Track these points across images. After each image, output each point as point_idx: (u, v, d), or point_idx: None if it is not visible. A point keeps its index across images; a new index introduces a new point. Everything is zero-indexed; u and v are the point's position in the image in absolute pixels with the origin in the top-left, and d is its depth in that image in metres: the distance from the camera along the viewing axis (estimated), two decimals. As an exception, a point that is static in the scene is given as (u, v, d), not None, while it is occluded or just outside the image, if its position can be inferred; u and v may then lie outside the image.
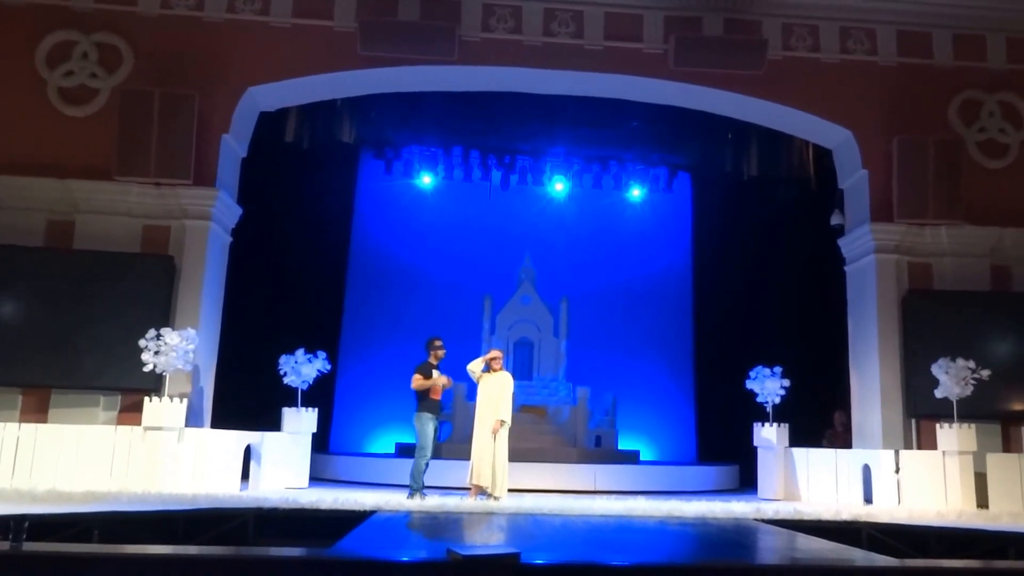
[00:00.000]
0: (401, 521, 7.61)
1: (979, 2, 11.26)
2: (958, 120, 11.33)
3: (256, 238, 12.25)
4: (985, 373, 9.68)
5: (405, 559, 4.85)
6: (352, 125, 13.08)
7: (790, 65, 11.32)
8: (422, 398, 9.65)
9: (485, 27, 11.12)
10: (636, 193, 15.67)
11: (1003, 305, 10.73)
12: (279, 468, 10.17)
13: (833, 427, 11.96)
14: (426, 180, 15.47)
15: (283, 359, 10.42)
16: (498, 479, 9.40)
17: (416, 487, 9.36)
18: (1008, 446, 10.42)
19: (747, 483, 12.06)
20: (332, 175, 14.93)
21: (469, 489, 9.56)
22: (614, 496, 10.14)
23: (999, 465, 9.69)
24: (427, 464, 9.54)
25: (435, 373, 9.76)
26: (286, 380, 10.37)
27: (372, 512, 8.10)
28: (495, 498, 9.29)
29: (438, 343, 9.94)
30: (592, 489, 11.13)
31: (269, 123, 11.89)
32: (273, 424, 10.45)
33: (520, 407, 13.19)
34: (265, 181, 12.62)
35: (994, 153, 11.28)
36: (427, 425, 9.56)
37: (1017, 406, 10.43)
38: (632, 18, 11.26)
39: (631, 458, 13.11)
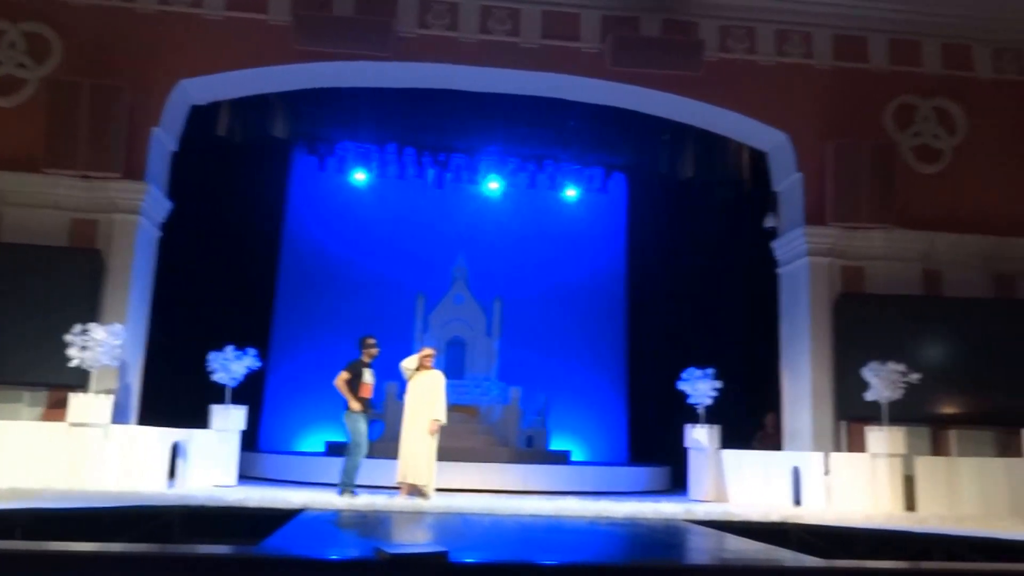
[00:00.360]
0: (329, 520, 7.50)
1: (915, 7, 11.42)
2: (893, 125, 11.48)
3: (186, 233, 11.99)
4: (915, 377, 9.76)
5: (332, 557, 4.87)
6: (285, 120, 12.83)
7: (727, 67, 11.37)
8: (350, 396, 9.45)
9: (421, 23, 11.02)
10: (571, 193, 15.65)
11: (934, 309, 10.86)
12: (207, 466, 9.99)
13: (764, 429, 12.08)
14: (360, 177, 15.25)
15: (212, 355, 10.27)
16: (430, 478, 9.28)
17: (347, 485, 9.18)
18: (937, 449, 10.55)
19: (678, 484, 12.06)
20: (264, 170, 14.60)
21: (399, 488, 9.41)
22: (545, 496, 10.08)
23: (927, 468, 9.79)
24: (359, 463, 9.36)
25: (368, 373, 9.61)
26: (215, 377, 10.23)
27: (300, 510, 7.96)
28: (426, 497, 9.15)
29: (371, 341, 9.77)
30: (523, 489, 11.04)
31: (200, 117, 11.62)
32: (201, 421, 10.24)
33: (452, 406, 13.05)
34: (196, 175, 12.29)
35: (928, 158, 11.45)
36: (359, 423, 9.39)
37: (946, 409, 10.57)
38: (569, 17, 11.22)
39: (562, 458, 13.06)
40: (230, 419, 10.27)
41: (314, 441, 14.34)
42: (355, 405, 9.42)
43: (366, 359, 9.66)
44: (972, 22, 11.60)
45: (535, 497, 9.88)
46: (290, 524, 7.13)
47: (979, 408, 10.54)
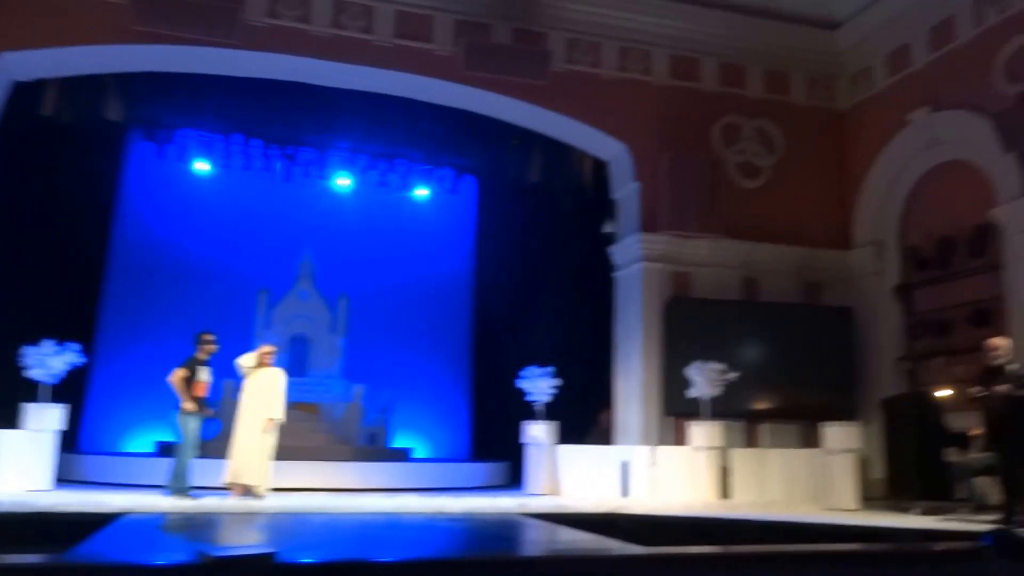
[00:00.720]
0: (153, 523, 7.09)
1: (742, 35, 12.21)
2: (720, 141, 12.17)
3: (4, 217, 11.10)
4: (733, 375, 10.32)
5: (151, 562, 4.47)
6: (121, 102, 11.97)
7: (572, 78, 11.68)
8: (185, 394, 8.95)
9: (271, 13, 10.69)
10: (422, 193, 15.58)
11: (751, 313, 11.59)
12: (18, 469, 9.13)
13: (599, 424, 12.44)
14: (202, 166, 14.51)
15: (28, 350, 9.38)
16: (264, 477, 8.94)
17: (178, 488, 8.67)
18: (750, 442, 11.26)
19: (517, 480, 12.23)
20: (96, 154, 13.53)
21: (230, 489, 9.01)
22: (385, 494, 9.97)
23: (741, 459, 10.40)
24: (190, 464, 8.86)
25: (204, 371, 9.11)
26: (31, 373, 9.35)
27: (121, 514, 7.46)
28: (259, 497, 8.81)
29: (209, 337, 9.24)
30: (363, 487, 10.85)
31: (24, 94, 10.73)
32: (13, 421, 9.35)
33: (293, 404, 12.67)
34: (16, 156, 11.33)
35: (750, 173, 12.21)
36: (191, 422, 8.89)
37: (759, 405, 11.30)
38: (423, 19, 11.21)
39: (403, 456, 12.99)
40: (46, 418, 9.39)
41: (144, 441, 13.54)
42: (189, 405, 8.91)
43: (203, 356, 9.14)
44: (791, 53, 12.54)
45: (375, 495, 9.74)
46: (108, 529, 6.68)
47: (787, 404, 11.37)
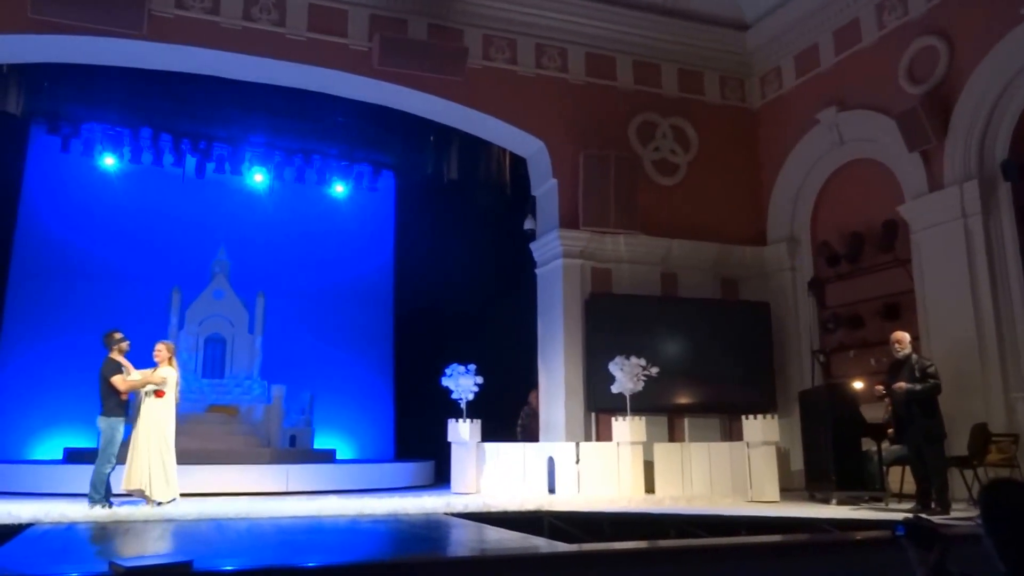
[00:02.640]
0: (63, 534, 6.71)
1: (655, 33, 12.35)
2: (636, 139, 12.28)
3: None
4: (654, 370, 10.37)
5: (61, 575, 4.25)
6: (20, 94, 11.42)
7: (489, 75, 11.63)
8: (109, 398, 8.52)
9: (179, 3, 10.35)
10: (340, 189, 15.26)
11: (670, 308, 11.73)
12: (-88, 481, 8.55)
13: (529, 403, 12.31)
14: (109, 161, 13.82)
15: None
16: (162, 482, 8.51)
17: (98, 497, 8.24)
18: (673, 435, 11.40)
19: (443, 479, 12.14)
20: (-6, 149, 12.91)
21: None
22: (307, 496, 9.73)
23: (664, 453, 10.49)
24: (111, 471, 8.45)
25: (135, 370, 8.67)
26: (-79, 380, 8.78)
27: (29, 525, 7.04)
28: (157, 503, 8.42)
29: (118, 335, 8.75)
30: (285, 490, 10.60)
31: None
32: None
33: (210, 407, 12.34)
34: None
35: (666, 171, 12.37)
36: (116, 429, 8.45)
37: (681, 400, 11.44)
38: (337, 13, 11.01)
39: (327, 457, 12.72)
40: (-56, 427, 8.91)
41: (51, 447, 12.85)
42: (122, 395, 8.49)
43: (118, 357, 8.70)
44: (704, 52, 12.77)
45: (297, 498, 9.49)
46: (15, 541, 6.33)
47: (707, 397, 11.55)
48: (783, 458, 10.87)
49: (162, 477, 8.39)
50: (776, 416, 10.28)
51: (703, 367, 11.45)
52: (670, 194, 12.28)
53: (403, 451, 14.73)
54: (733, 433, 11.10)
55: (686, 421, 11.61)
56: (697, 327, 11.63)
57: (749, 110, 13.07)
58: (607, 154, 11.69)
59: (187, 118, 12.89)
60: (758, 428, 9.95)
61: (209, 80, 11.39)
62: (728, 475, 10.12)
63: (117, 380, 8.46)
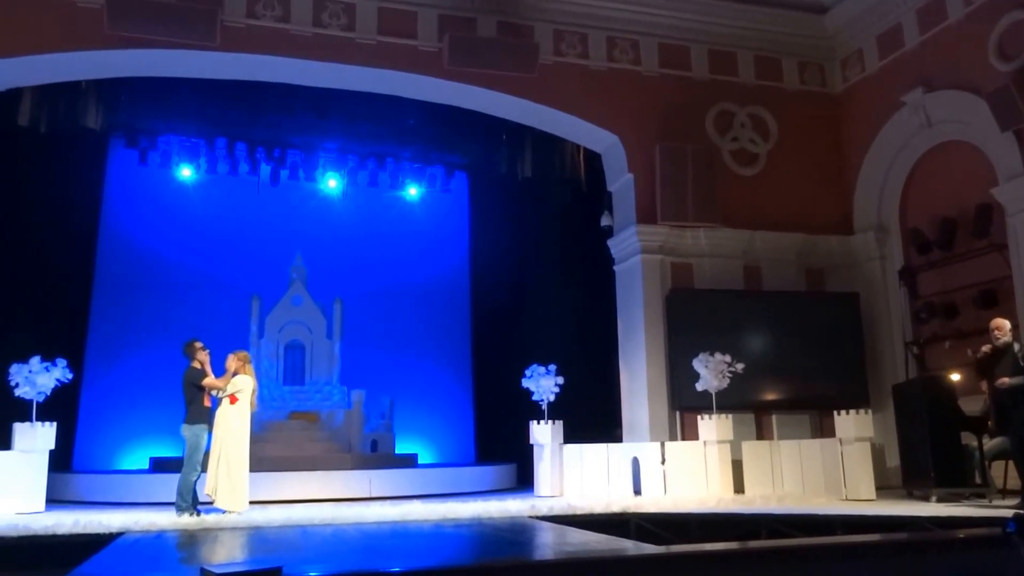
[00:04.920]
0: (152, 542, 6.89)
1: (730, 22, 12.10)
2: (714, 130, 12.03)
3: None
4: (740, 366, 10.18)
5: None
6: (100, 109, 11.79)
7: (561, 70, 11.54)
8: (192, 406, 8.68)
9: (250, 13, 10.54)
10: (413, 192, 15.33)
11: (754, 302, 11.46)
12: (8, 491, 8.85)
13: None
14: (186, 172, 14.17)
15: (14, 368, 9.12)
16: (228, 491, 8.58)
17: (185, 505, 8.40)
18: (761, 433, 11.12)
19: (525, 481, 12.06)
20: (76, 163, 13.29)
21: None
22: (390, 502, 9.75)
23: (753, 452, 10.26)
24: (197, 478, 8.60)
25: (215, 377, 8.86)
26: (18, 392, 9.09)
27: (120, 534, 7.26)
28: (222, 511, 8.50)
29: (198, 344, 8.93)
30: (368, 496, 10.64)
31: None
32: (2, 442, 9.12)
33: (291, 413, 12.49)
34: (-7, 169, 11.10)
35: (746, 161, 12.08)
36: (200, 437, 8.62)
37: (768, 396, 11.16)
38: (406, 15, 11.06)
39: (408, 462, 12.75)
40: (37, 438, 9.10)
41: (138, 457, 13.26)
42: (206, 403, 8.67)
43: (199, 365, 8.87)
44: (781, 38, 12.45)
45: (380, 503, 9.53)
46: (107, 550, 6.51)
47: (796, 393, 11.25)
48: (878, 454, 10.53)
49: (227, 486, 8.48)
50: (869, 411, 9.94)
51: (790, 362, 11.17)
52: (750, 185, 12.00)
53: (484, 454, 14.74)
54: (824, 430, 10.81)
55: (774, 418, 11.31)
56: (783, 321, 11.34)
57: (830, 95, 12.68)
58: (684, 146, 11.48)
59: (261, 126, 13.13)
60: (851, 424, 9.64)
61: (281, 88, 11.58)
62: (820, 473, 9.85)
63: (209, 380, 8.66)
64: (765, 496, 9.60)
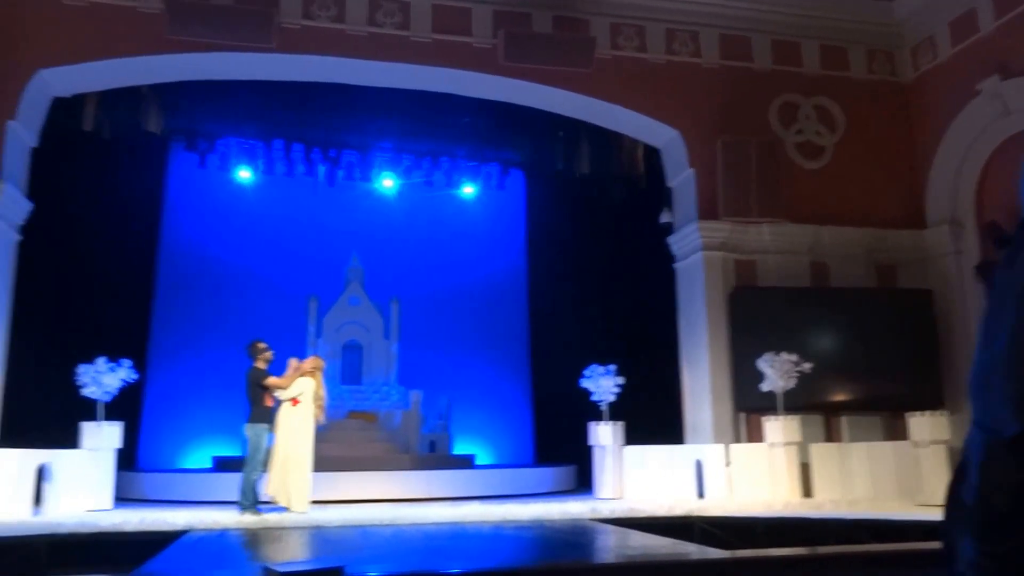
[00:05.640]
0: (216, 540, 7.09)
1: (794, 10, 11.87)
2: (777, 122, 11.83)
3: (50, 236, 11.24)
4: (807, 366, 10.00)
5: None
6: (160, 114, 12.17)
7: (618, 64, 11.47)
8: (255, 406, 8.93)
9: (306, 14, 10.68)
10: (468, 190, 15.46)
11: (822, 300, 11.22)
12: (77, 489, 9.21)
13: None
14: (244, 174, 14.57)
15: (82, 368, 9.53)
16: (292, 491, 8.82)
17: (247, 503, 8.64)
18: (830, 436, 10.88)
19: (585, 483, 12.06)
20: (138, 167, 13.77)
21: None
22: (449, 503, 9.87)
23: (821, 455, 10.09)
24: (259, 478, 8.85)
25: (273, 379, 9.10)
26: (85, 391, 9.49)
27: (184, 532, 7.49)
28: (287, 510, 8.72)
29: (263, 346, 9.17)
30: (426, 497, 10.77)
31: (64, 109, 10.89)
32: (71, 441, 9.50)
33: (349, 413, 12.72)
34: (60, 173, 11.58)
35: (811, 154, 11.86)
36: (261, 436, 8.86)
37: (837, 397, 10.92)
38: (460, 11, 11.10)
39: (466, 463, 12.86)
40: (103, 437, 9.51)
41: (200, 456, 13.64)
42: (268, 402, 8.92)
43: (262, 366, 9.12)
44: (847, 25, 12.16)
45: (439, 504, 9.65)
46: (172, 547, 6.72)
47: (867, 394, 10.98)
48: (955, 458, 10.19)
49: (290, 487, 8.69)
50: (945, 413, 9.67)
51: (861, 361, 10.89)
52: (816, 178, 11.77)
53: (542, 456, 14.78)
54: (897, 432, 10.52)
55: (844, 420, 11.06)
56: (852, 319, 11.08)
57: (900, 84, 12.36)
58: (746, 139, 11.33)
59: (317, 127, 13.39)
60: (925, 426, 9.43)
61: (337, 88, 11.74)
62: (893, 477, 9.65)
63: (272, 379, 8.87)
64: (835, 500, 9.44)
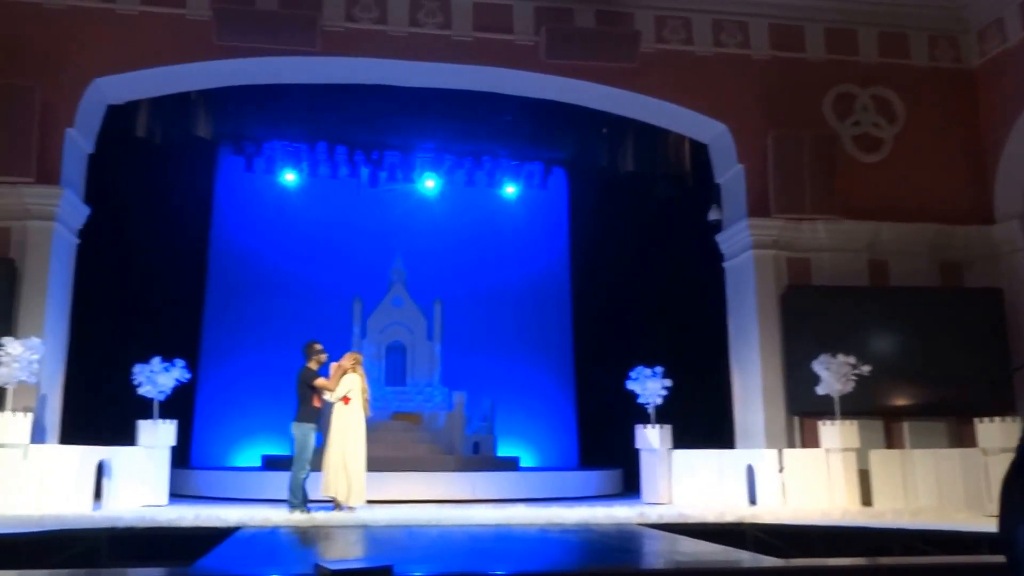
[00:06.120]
0: (267, 537, 7.29)
1: (848, -4, 11.63)
2: (832, 114, 11.58)
3: (106, 240, 11.66)
4: (866, 368, 9.80)
5: None
6: (209, 119, 12.48)
7: (664, 58, 11.36)
8: (303, 405, 9.14)
9: (348, 17, 10.84)
10: (511, 190, 15.48)
11: (881, 299, 10.95)
12: (135, 485, 9.67)
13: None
14: (290, 177, 14.85)
15: (137, 368, 10.01)
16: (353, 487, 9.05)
17: (296, 502, 8.87)
18: (891, 442, 10.62)
19: (631, 487, 12.00)
20: (188, 172, 14.15)
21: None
22: (493, 505, 9.92)
23: (882, 461, 9.85)
24: (307, 476, 9.08)
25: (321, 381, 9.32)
26: (141, 391, 9.96)
27: (236, 528, 7.72)
28: (349, 508, 8.93)
29: (319, 347, 9.38)
30: (471, 498, 10.85)
31: (118, 116, 11.26)
32: (128, 438, 9.94)
33: (394, 414, 12.92)
34: (115, 178, 11.98)
35: (869, 147, 11.59)
36: (308, 436, 9.09)
37: (898, 401, 10.62)
38: (502, 9, 11.13)
39: (510, 465, 12.93)
40: (159, 435, 9.94)
41: (250, 455, 13.94)
42: (316, 403, 9.16)
43: (314, 366, 9.35)
44: (906, 10, 11.83)
45: (483, 506, 9.71)
46: (226, 543, 6.91)
47: (931, 398, 10.63)
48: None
49: (345, 483, 8.89)
50: (1018, 419, 9.37)
51: (923, 364, 10.58)
52: (874, 172, 11.49)
53: (587, 458, 14.75)
54: (964, 438, 10.25)
55: (905, 425, 10.76)
56: (914, 319, 10.75)
57: (965, 71, 11.98)
58: (799, 133, 11.13)
59: (359, 129, 13.55)
60: (995, 432, 9.14)
61: (379, 89, 11.86)
62: (960, 486, 9.37)
63: (321, 381, 9.09)
64: (897, 510, 9.17)
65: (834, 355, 9.92)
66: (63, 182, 9.94)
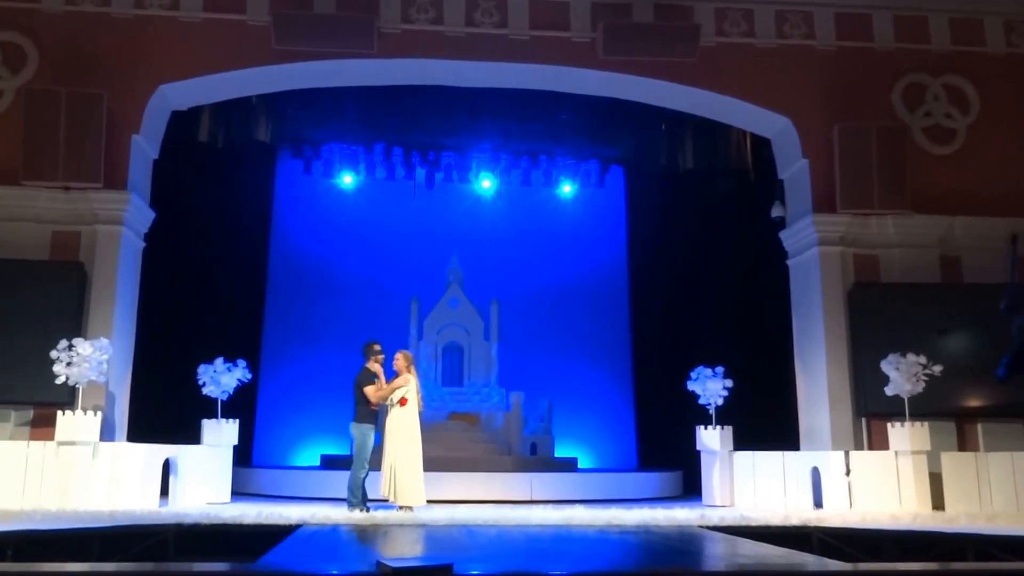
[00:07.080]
0: (328, 535, 7.43)
1: (919, -19, 11.38)
2: (902, 105, 11.38)
3: (170, 243, 12.07)
4: (937, 368, 9.63)
5: (333, 572, 4.99)
6: (268, 123, 12.85)
7: (724, 51, 11.28)
8: (360, 406, 9.31)
9: (405, 18, 11.00)
10: (567, 189, 15.52)
11: (954, 297, 10.69)
12: (199, 483, 10.04)
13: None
14: (347, 179, 15.18)
15: (202, 368, 10.38)
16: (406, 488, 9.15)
17: (355, 501, 9.06)
18: (964, 444, 10.38)
19: (691, 489, 11.93)
20: (249, 175, 14.58)
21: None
22: (551, 505, 9.96)
23: (954, 464, 9.65)
24: (366, 476, 9.28)
25: (381, 382, 9.45)
26: (205, 390, 10.32)
27: (298, 526, 7.91)
28: (401, 508, 9.05)
29: (377, 347, 9.50)
30: (528, 499, 10.91)
31: (181, 122, 11.67)
32: (192, 437, 10.32)
33: (451, 415, 13.09)
34: (178, 183, 12.41)
35: (941, 139, 11.35)
36: (367, 436, 9.27)
37: (971, 402, 10.37)
38: (558, 6, 11.16)
39: (569, 466, 12.97)
40: (222, 434, 10.29)
41: (310, 454, 14.25)
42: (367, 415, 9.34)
43: (373, 366, 9.53)
44: (981, -5, 11.58)
45: (542, 506, 9.76)
46: (288, 540, 7.08)
47: (1006, 399, 10.27)
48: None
49: (404, 483, 9.04)
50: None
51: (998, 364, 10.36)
52: (947, 165, 11.24)
53: (646, 460, 14.70)
54: (1042, 440, 9.99)
55: (979, 427, 10.50)
56: (988, 317, 10.45)
57: (1043, 57, 11.65)
58: (867, 126, 10.93)
59: (416, 130, 13.75)
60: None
61: (435, 90, 12.04)
62: (1041, 491, 9.12)
63: (370, 390, 9.25)
64: (971, 514, 8.93)
65: (904, 354, 9.74)
66: (130, 187, 10.33)
